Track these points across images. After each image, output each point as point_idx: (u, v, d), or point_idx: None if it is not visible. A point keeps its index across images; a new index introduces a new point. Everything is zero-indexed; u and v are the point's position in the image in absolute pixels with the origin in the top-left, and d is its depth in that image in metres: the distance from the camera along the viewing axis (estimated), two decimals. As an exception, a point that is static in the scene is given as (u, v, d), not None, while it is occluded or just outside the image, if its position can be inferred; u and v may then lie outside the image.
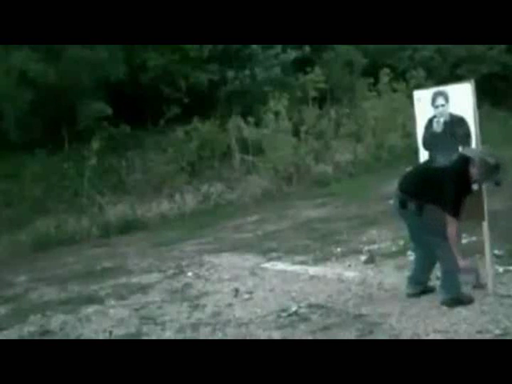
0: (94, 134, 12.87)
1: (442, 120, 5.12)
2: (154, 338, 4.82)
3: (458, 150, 4.94)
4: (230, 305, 5.43)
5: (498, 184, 4.45)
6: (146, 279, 6.94)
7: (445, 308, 4.47)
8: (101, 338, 5.01)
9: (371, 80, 16.40)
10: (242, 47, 15.25)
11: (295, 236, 8.21)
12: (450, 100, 5.03)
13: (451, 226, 4.35)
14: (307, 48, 15.83)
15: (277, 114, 14.06)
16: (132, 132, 14.08)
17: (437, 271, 4.82)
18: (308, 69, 15.73)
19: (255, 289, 5.84)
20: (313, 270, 6.22)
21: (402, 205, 4.58)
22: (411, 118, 5.71)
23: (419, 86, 9.45)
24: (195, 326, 4.95)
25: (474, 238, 5.67)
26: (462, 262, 4.44)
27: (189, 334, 4.79)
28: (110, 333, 5.11)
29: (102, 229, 11.13)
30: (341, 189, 12.04)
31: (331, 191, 11.90)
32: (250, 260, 7.15)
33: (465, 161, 4.42)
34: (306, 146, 14.04)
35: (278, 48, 15.49)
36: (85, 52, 12.36)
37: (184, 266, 7.33)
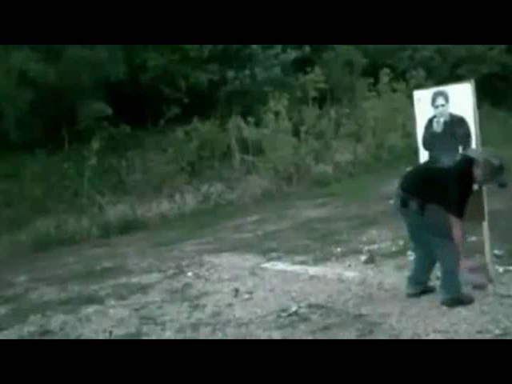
0: (94, 133, 12.87)
1: (441, 120, 5.13)
2: (154, 337, 4.82)
3: (458, 150, 4.95)
4: (229, 305, 5.42)
5: (502, 186, 4.45)
6: (146, 279, 6.94)
7: (445, 308, 4.46)
8: (101, 337, 5.01)
9: (371, 80, 16.41)
10: (242, 47, 15.26)
11: (295, 236, 8.21)
12: (450, 100, 5.03)
13: (456, 227, 4.36)
14: (307, 48, 15.84)
15: (277, 114, 14.07)
16: (132, 132, 14.08)
17: (437, 271, 4.82)
18: (308, 69, 15.73)
19: (255, 289, 5.83)
20: (313, 270, 6.21)
21: (404, 204, 4.57)
22: (411, 117, 5.71)
23: (419, 86, 9.46)
24: (195, 326, 4.95)
25: (473, 238, 5.67)
26: (467, 263, 4.44)
27: (189, 334, 4.79)
28: (110, 333, 5.11)
29: (102, 229, 11.13)
30: (341, 189, 12.04)
31: (331, 191, 11.90)
32: (249, 260, 7.15)
33: (468, 162, 4.42)
34: (306, 146, 14.04)
35: (278, 48, 15.49)
36: (85, 52, 12.36)
37: (184, 265, 7.33)
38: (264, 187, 12.76)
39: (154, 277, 7.00)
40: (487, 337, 3.88)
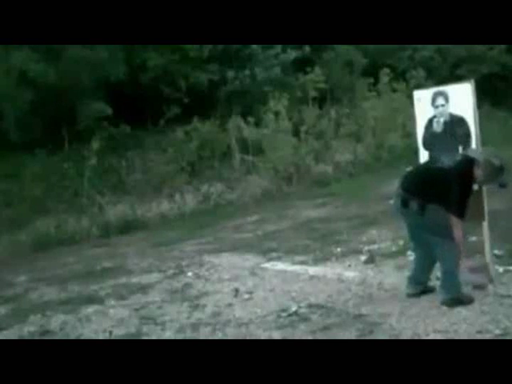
0: (94, 133, 12.87)
1: (441, 120, 5.13)
2: (154, 337, 4.82)
3: (458, 150, 4.95)
4: (229, 305, 5.42)
5: (502, 186, 4.45)
6: (146, 279, 6.94)
7: (445, 308, 4.46)
8: (101, 337, 5.01)
9: (371, 80, 16.40)
10: (242, 47, 15.25)
11: (295, 236, 8.21)
12: (450, 100, 5.03)
13: (457, 227, 4.36)
14: (307, 48, 15.84)
15: (277, 114, 14.07)
16: (132, 132, 14.08)
17: (437, 271, 4.82)
18: (308, 69, 15.73)
19: (255, 289, 5.83)
20: (313, 270, 6.21)
21: (404, 203, 4.57)
22: (411, 117, 5.71)
23: (419, 86, 9.46)
24: (195, 326, 4.95)
25: (474, 238, 5.67)
26: (468, 263, 4.44)
27: (189, 334, 4.79)
28: (110, 333, 5.11)
29: (102, 229, 11.13)
30: (341, 189, 12.04)
31: (331, 191, 11.90)
32: (250, 260, 7.15)
33: (469, 162, 4.42)
34: (306, 146, 14.04)
35: (278, 48, 15.49)
36: (85, 52, 12.36)
37: (184, 265, 7.33)
38: (264, 187, 12.76)
39: (153, 277, 7.00)
40: (487, 337, 3.87)
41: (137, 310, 5.72)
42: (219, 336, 4.63)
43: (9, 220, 11.35)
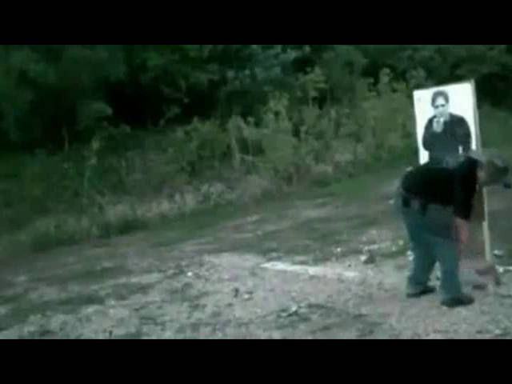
0: (94, 133, 12.87)
1: (441, 120, 5.13)
2: (154, 337, 4.82)
3: (458, 150, 4.95)
4: (229, 305, 5.42)
5: (507, 186, 4.46)
6: (146, 279, 6.94)
7: (445, 308, 4.47)
8: (101, 337, 5.01)
9: (371, 80, 16.40)
10: (242, 47, 15.25)
11: (295, 236, 8.21)
12: (450, 100, 5.03)
13: (462, 228, 4.36)
14: (307, 48, 15.83)
15: (277, 114, 14.06)
16: (132, 132, 14.08)
17: (437, 271, 4.82)
18: (308, 69, 15.73)
19: (255, 289, 5.83)
20: (313, 270, 6.22)
21: (405, 203, 4.56)
22: (411, 117, 5.71)
23: (419, 86, 9.46)
24: (195, 326, 4.95)
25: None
26: (475, 265, 4.45)
27: (189, 334, 4.79)
28: (110, 333, 5.11)
29: (102, 229, 11.13)
30: (341, 189, 12.04)
31: (331, 191, 11.90)
32: (250, 260, 7.15)
33: (472, 163, 4.41)
34: (306, 146, 14.04)
35: (278, 48, 15.48)
36: (85, 52, 12.35)
37: (184, 265, 7.33)
38: (264, 187, 12.76)
39: (154, 277, 7.00)
40: (487, 337, 3.88)
41: (137, 310, 5.72)
42: (219, 336, 4.63)
43: (9, 220, 11.35)
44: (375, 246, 6.75)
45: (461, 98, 4.95)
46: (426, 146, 5.32)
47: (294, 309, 4.99)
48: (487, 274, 4.74)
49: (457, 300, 4.49)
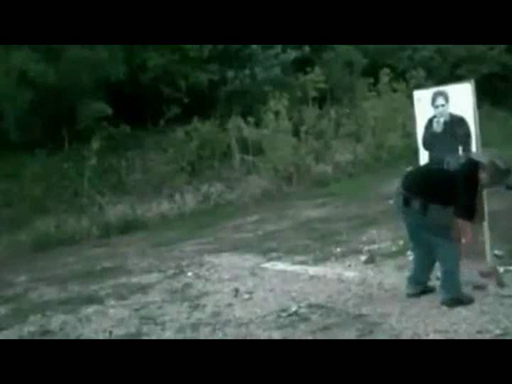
0: (94, 133, 12.87)
1: (441, 120, 5.13)
2: (154, 337, 4.82)
3: (458, 150, 4.95)
4: (229, 305, 5.43)
5: (509, 188, 4.46)
6: (146, 279, 6.94)
7: (445, 308, 4.47)
8: (101, 337, 5.01)
9: (371, 80, 16.39)
10: (242, 47, 15.24)
11: (295, 236, 8.21)
12: (450, 100, 5.04)
13: (466, 229, 4.37)
14: (307, 48, 15.82)
15: (277, 114, 14.06)
16: (132, 132, 14.07)
17: (437, 271, 4.82)
18: (308, 69, 15.72)
19: (255, 289, 5.84)
20: (313, 270, 6.22)
21: (406, 203, 4.56)
22: (411, 117, 5.71)
23: (419, 86, 9.46)
24: (195, 326, 4.95)
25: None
26: (478, 267, 4.45)
27: (189, 334, 4.79)
28: (110, 333, 5.11)
29: (102, 229, 11.13)
30: (341, 189, 12.04)
31: (331, 191, 11.90)
32: (249, 260, 7.15)
33: (474, 165, 4.41)
34: (306, 146, 14.04)
35: (278, 48, 15.48)
36: (85, 52, 12.35)
37: (184, 265, 7.33)
38: (264, 187, 12.75)
39: (153, 277, 7.00)
40: (487, 337, 3.88)
41: (137, 310, 5.72)
42: (219, 336, 4.63)
43: (9, 220, 11.35)
44: (375, 246, 6.75)
45: (461, 98, 4.95)
46: (426, 146, 5.32)
47: (294, 309, 4.99)
48: (490, 277, 4.73)
49: (457, 300, 4.49)
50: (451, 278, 4.53)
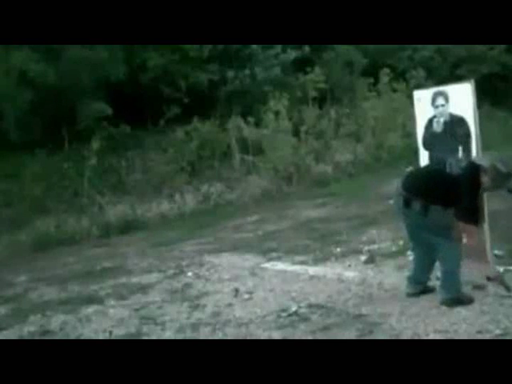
0: (94, 133, 12.86)
1: (441, 120, 5.13)
2: (154, 337, 4.82)
3: (458, 150, 4.95)
4: (229, 305, 5.43)
5: (511, 191, 4.45)
6: (146, 279, 6.94)
7: (445, 308, 4.47)
8: (101, 337, 5.01)
9: (371, 80, 16.38)
10: (242, 47, 15.24)
11: (295, 236, 8.21)
12: (450, 100, 5.03)
13: (470, 233, 4.37)
14: (307, 48, 15.82)
15: (277, 113, 14.06)
16: (132, 132, 14.07)
17: (437, 271, 4.82)
18: (308, 69, 15.72)
19: (255, 289, 5.84)
20: (313, 270, 6.22)
21: (406, 204, 4.56)
22: (411, 117, 5.72)
23: (419, 86, 9.46)
24: (195, 326, 4.95)
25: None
26: (484, 271, 4.45)
27: (189, 334, 4.79)
28: (110, 333, 5.11)
29: (102, 229, 11.12)
30: (341, 189, 12.04)
31: (331, 191, 11.89)
32: (249, 260, 7.15)
33: (475, 168, 4.41)
34: (306, 146, 14.03)
35: (278, 48, 15.48)
36: (85, 52, 12.35)
37: (184, 265, 7.33)
38: (264, 187, 12.75)
39: (153, 277, 7.00)
40: (487, 337, 3.88)
41: (137, 310, 5.72)
42: (219, 336, 4.63)
43: (9, 220, 11.35)
44: (375, 246, 6.75)
45: (461, 98, 4.95)
46: (426, 146, 5.32)
47: (294, 309, 4.99)
48: (495, 282, 4.71)
49: (457, 300, 4.49)
50: (451, 278, 4.53)
